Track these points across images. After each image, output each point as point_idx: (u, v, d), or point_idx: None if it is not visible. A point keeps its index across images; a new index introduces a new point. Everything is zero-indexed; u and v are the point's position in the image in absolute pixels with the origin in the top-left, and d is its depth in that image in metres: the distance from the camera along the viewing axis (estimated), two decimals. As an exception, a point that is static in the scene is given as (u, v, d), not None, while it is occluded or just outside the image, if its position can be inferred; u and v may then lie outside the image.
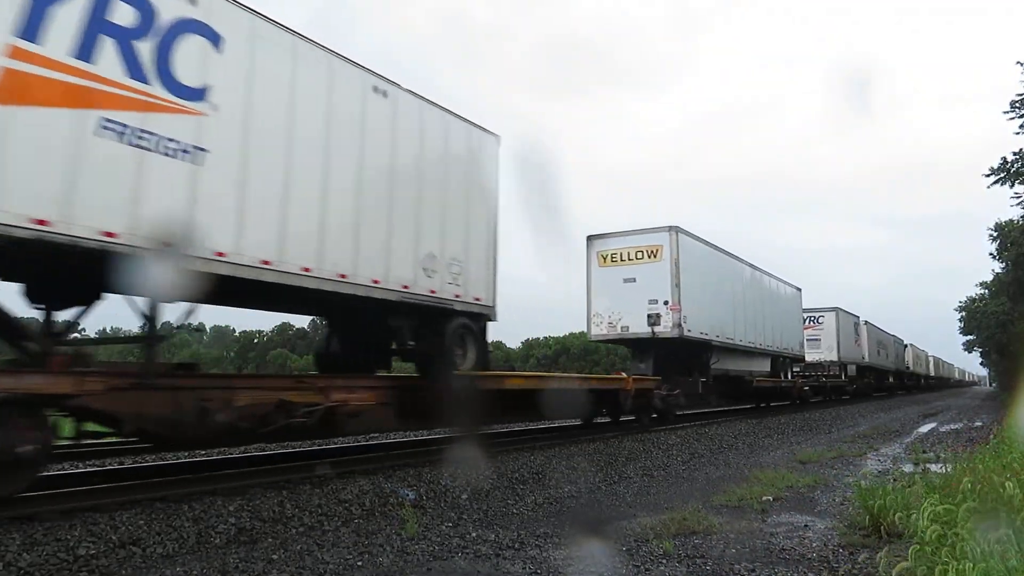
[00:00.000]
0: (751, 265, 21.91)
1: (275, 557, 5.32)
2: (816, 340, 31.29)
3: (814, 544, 5.65)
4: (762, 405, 24.51)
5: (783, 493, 8.06)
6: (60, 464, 8.65)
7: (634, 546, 5.59)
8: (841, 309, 32.76)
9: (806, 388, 26.96)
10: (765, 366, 23.04)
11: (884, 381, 44.27)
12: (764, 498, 7.64)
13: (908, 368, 53.71)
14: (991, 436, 10.37)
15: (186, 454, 9.75)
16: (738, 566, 5.04)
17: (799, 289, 27.54)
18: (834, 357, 31.85)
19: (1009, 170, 19.47)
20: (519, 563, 5.19)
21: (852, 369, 34.55)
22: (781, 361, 24.68)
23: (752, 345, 21.16)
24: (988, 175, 20.01)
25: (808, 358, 29.54)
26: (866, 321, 37.81)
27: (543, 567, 5.08)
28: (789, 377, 25.84)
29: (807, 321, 30.37)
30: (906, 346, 53.69)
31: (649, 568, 5.02)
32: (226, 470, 8.20)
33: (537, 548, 5.62)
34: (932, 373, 70.41)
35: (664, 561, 5.18)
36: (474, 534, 6.13)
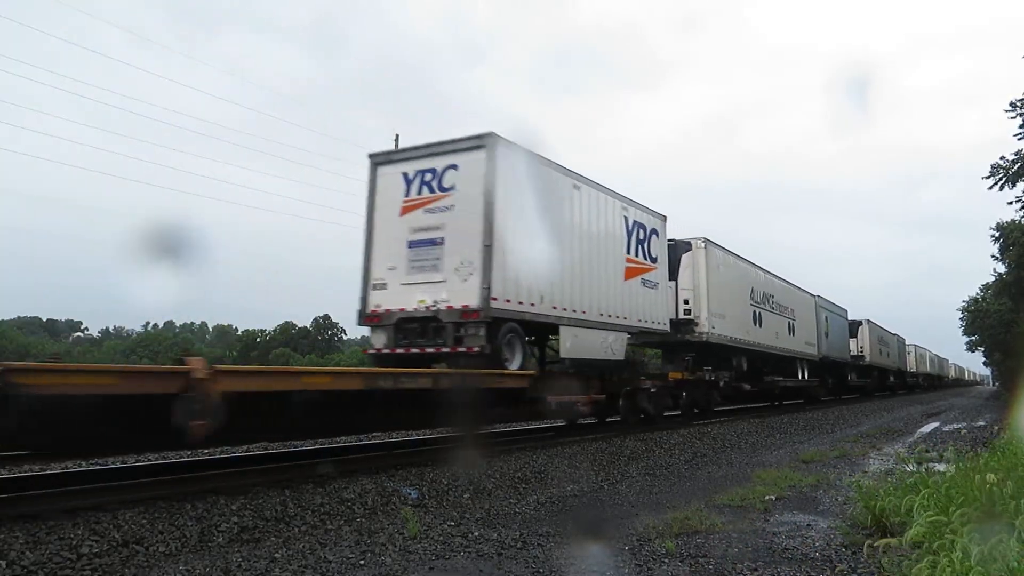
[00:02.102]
0: None
1: (278, 556, 5.32)
2: (430, 245, 10.97)
3: (817, 543, 5.64)
4: None
5: (786, 492, 8.05)
6: (63, 463, 8.65)
7: (636, 545, 5.58)
8: (506, 139, 10.84)
9: None
10: None
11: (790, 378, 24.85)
12: (767, 497, 7.63)
13: (862, 359, 35.70)
14: (994, 436, 10.35)
15: (187, 453, 9.75)
16: (740, 565, 5.03)
17: None
18: (472, 300, 10.34)
19: (1008, 171, 19.51)
20: (521, 562, 5.19)
21: (617, 346, 13.49)
22: None
23: None
24: (987, 178, 20.08)
25: (401, 303, 11.00)
26: (705, 240, 17.88)
27: (545, 566, 5.08)
28: None
29: (417, 185, 11.18)
30: (860, 324, 35.99)
31: (652, 567, 5.02)
32: (228, 469, 8.20)
33: (539, 547, 5.62)
34: (913, 369, 51.06)
35: (666, 560, 5.18)
36: (476, 533, 6.12)
